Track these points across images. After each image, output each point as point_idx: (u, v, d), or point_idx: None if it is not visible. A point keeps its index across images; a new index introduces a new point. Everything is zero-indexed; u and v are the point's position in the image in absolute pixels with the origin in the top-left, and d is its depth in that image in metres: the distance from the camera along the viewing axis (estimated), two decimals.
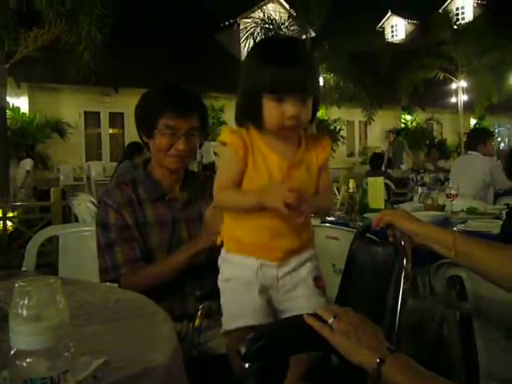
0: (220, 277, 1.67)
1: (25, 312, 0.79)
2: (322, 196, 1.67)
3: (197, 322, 1.86)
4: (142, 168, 2.21)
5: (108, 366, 1.04)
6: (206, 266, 2.01)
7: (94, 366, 1.02)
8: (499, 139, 19.78)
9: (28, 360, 0.79)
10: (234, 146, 1.56)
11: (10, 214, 7.34)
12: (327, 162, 1.69)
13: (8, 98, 10.98)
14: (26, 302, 0.79)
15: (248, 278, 1.60)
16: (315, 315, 1.26)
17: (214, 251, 1.76)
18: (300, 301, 1.62)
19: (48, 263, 3.80)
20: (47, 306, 0.81)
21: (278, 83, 1.49)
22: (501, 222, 3.19)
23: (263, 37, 13.67)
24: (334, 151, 17.27)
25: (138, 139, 2.34)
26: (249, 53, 1.65)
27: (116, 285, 2.05)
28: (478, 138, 5.76)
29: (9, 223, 7.10)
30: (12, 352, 0.81)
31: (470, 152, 5.76)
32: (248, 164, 1.57)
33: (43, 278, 0.83)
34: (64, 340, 0.82)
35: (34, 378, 0.80)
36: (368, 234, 1.81)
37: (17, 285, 0.81)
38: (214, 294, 1.70)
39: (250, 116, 1.58)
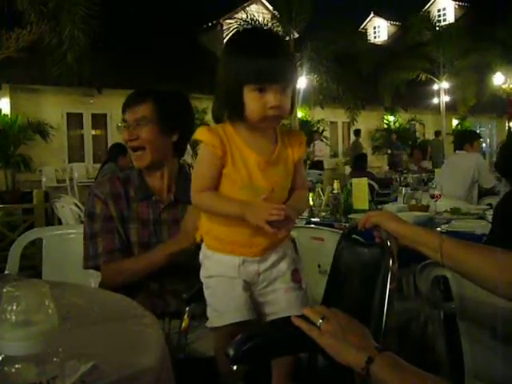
0: (203, 273, 1.68)
1: (13, 317, 0.78)
2: (299, 195, 1.69)
3: (184, 325, 1.86)
4: (135, 170, 2.23)
5: (96, 370, 1.03)
6: (190, 266, 2.01)
7: (82, 371, 1.01)
8: (481, 139, 19.94)
9: (16, 366, 0.79)
10: (211, 145, 1.56)
11: None
12: (303, 157, 1.72)
13: None
14: (14, 307, 0.79)
15: (231, 275, 1.61)
16: (303, 316, 1.26)
17: (193, 251, 1.78)
18: (279, 293, 1.65)
19: (31, 266, 3.76)
20: (36, 312, 0.80)
21: (259, 73, 1.49)
22: (484, 222, 3.23)
23: None
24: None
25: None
26: (226, 46, 1.63)
27: (97, 272, 2.15)
28: (465, 139, 5.88)
29: None
30: (0, 358, 0.80)
31: (457, 152, 5.87)
32: (227, 162, 1.57)
33: (32, 283, 0.82)
34: (53, 345, 0.82)
35: None
36: (354, 235, 1.81)
37: (5, 290, 0.80)
38: (200, 295, 1.70)
39: (230, 110, 1.58)
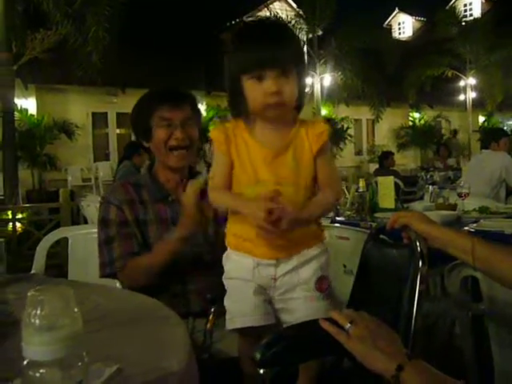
0: (224, 275, 1.66)
1: (37, 322, 0.77)
2: (319, 197, 1.59)
3: (209, 325, 1.85)
4: (147, 172, 2.24)
5: (121, 373, 1.02)
6: (212, 265, 2.01)
7: (107, 374, 1.00)
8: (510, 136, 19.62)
9: (41, 371, 0.78)
10: (217, 142, 1.56)
11: (20, 216, 7.36)
12: (326, 150, 1.59)
13: (16, 100, 10.98)
14: (38, 311, 0.78)
15: (245, 278, 1.58)
16: (331, 320, 1.24)
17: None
18: (298, 302, 1.57)
19: (56, 264, 3.79)
20: (60, 316, 0.79)
21: (253, 60, 1.46)
22: None
23: None
24: (342, 150, 17.26)
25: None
26: (234, 36, 1.61)
27: (114, 281, 2.12)
28: (491, 137, 5.79)
29: (18, 224, 7.11)
30: (25, 362, 0.79)
31: (483, 150, 5.79)
32: (234, 160, 1.55)
33: (56, 287, 0.81)
34: (78, 349, 0.81)
35: None
36: (381, 235, 1.78)
37: (29, 294, 0.79)
38: (223, 295, 1.69)
39: (235, 103, 1.55)
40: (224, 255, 1.67)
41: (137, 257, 2.06)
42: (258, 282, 1.58)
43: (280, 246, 1.54)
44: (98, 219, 2.17)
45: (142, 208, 2.13)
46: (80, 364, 0.81)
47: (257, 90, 1.47)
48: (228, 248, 1.66)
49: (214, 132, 1.59)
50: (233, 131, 1.56)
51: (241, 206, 1.52)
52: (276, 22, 1.71)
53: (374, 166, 13.89)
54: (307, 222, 1.59)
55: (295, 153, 1.55)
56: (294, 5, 18.89)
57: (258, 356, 1.21)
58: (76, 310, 0.81)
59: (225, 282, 1.65)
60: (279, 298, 1.59)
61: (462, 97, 20.73)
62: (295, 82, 1.51)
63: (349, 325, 1.19)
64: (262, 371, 1.24)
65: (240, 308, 1.57)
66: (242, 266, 1.59)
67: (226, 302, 1.63)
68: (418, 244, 1.46)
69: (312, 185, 1.59)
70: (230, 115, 1.62)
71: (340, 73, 16.62)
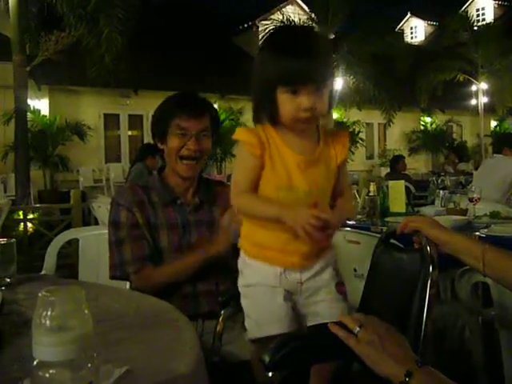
0: (242, 282, 1.63)
1: (48, 322, 0.78)
2: (345, 202, 1.62)
3: (219, 328, 1.85)
4: (157, 175, 2.25)
5: (130, 375, 1.02)
6: (222, 267, 2.05)
7: (117, 376, 1.00)
8: None
9: (51, 371, 0.78)
10: (249, 145, 1.52)
11: (31, 216, 7.40)
12: (347, 158, 1.64)
13: (29, 101, 11.07)
14: (49, 312, 0.78)
15: (271, 284, 1.56)
16: (340, 323, 1.23)
17: (229, 254, 1.81)
18: (323, 305, 1.58)
19: (67, 265, 3.81)
20: (71, 317, 0.79)
21: (291, 74, 1.44)
22: None
23: None
24: (353, 153, 17.21)
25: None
26: (261, 45, 1.58)
27: (124, 282, 2.13)
28: (503, 143, 5.75)
29: (29, 225, 7.15)
30: (35, 363, 0.79)
31: (495, 155, 5.74)
32: (265, 163, 1.53)
33: (67, 288, 0.81)
34: (88, 351, 0.81)
35: None
36: (391, 240, 1.77)
37: (40, 294, 0.80)
38: (235, 298, 1.69)
39: (265, 111, 1.53)
40: (240, 260, 1.65)
41: (151, 266, 2.07)
42: (286, 287, 1.57)
43: (304, 255, 1.56)
44: (108, 221, 2.18)
45: (151, 210, 2.14)
46: (90, 365, 0.81)
47: (290, 104, 1.46)
48: (244, 256, 1.63)
49: (244, 134, 1.55)
50: (264, 134, 1.53)
51: (278, 210, 1.48)
52: (311, 32, 1.65)
53: (385, 170, 13.87)
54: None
55: (325, 163, 1.58)
56: (307, 8, 18.90)
57: (266, 359, 1.21)
58: (87, 311, 0.81)
59: (244, 289, 1.62)
60: (304, 303, 1.60)
61: (473, 101, 20.62)
62: (327, 95, 1.51)
63: (358, 329, 1.18)
64: (270, 374, 1.24)
65: (268, 315, 1.55)
66: (267, 272, 1.57)
67: (247, 310, 1.61)
68: (428, 249, 1.46)
69: (334, 191, 1.62)
70: (253, 120, 1.60)
71: (352, 76, 16.58)
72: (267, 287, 1.57)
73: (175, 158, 2.14)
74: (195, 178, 2.23)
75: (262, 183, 1.55)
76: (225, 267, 2.04)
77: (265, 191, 1.55)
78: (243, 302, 1.63)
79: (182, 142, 2.11)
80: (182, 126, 2.10)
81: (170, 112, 2.14)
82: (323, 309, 1.58)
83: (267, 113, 1.52)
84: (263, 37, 13.07)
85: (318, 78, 1.46)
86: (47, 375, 0.78)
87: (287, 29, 1.64)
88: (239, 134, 1.55)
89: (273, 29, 1.77)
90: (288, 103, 1.46)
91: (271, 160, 1.53)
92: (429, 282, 1.44)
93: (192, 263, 2.04)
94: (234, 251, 1.72)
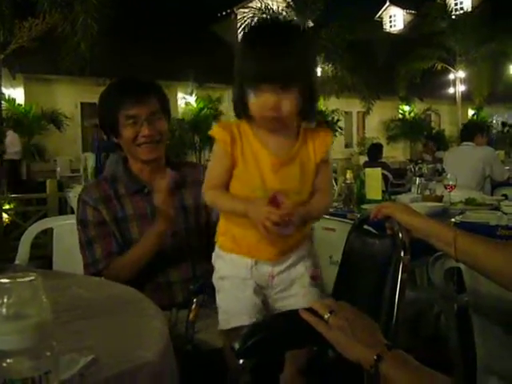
0: (215, 274, 1.63)
1: (4, 310, 0.75)
2: (315, 200, 1.59)
3: (191, 316, 1.83)
4: (122, 164, 2.21)
5: (96, 363, 1.01)
6: (195, 257, 2.07)
7: (82, 364, 0.99)
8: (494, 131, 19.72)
9: (8, 360, 0.76)
10: (222, 142, 1.51)
11: (7, 207, 7.31)
12: (327, 157, 1.61)
13: (3, 90, 10.90)
14: (5, 300, 0.76)
15: (243, 276, 1.56)
16: (311, 310, 1.23)
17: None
18: (296, 299, 1.58)
19: (42, 255, 3.76)
20: (28, 305, 0.77)
21: (255, 72, 1.42)
22: (498, 213, 3.17)
23: None
24: (332, 142, 17.24)
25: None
26: (240, 39, 1.58)
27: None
28: (476, 129, 5.77)
29: (5, 215, 7.06)
30: None
31: (466, 143, 5.74)
32: (237, 160, 1.52)
33: (24, 275, 0.79)
34: (46, 339, 0.79)
35: (15, 379, 0.76)
36: (365, 226, 1.77)
37: None
38: (207, 286, 1.69)
39: (239, 108, 1.52)
40: (214, 255, 1.65)
41: (118, 256, 2.06)
42: (256, 280, 1.56)
43: (279, 248, 1.55)
44: (76, 219, 2.17)
45: (119, 204, 2.12)
46: (49, 354, 0.79)
47: (256, 102, 1.44)
48: (218, 249, 1.63)
49: (218, 131, 1.54)
50: (238, 132, 1.52)
51: (243, 206, 1.48)
52: (286, 29, 1.54)
53: (363, 158, 13.91)
54: (306, 223, 1.60)
55: (301, 163, 1.56)
56: None
57: (236, 346, 1.20)
58: (45, 298, 0.79)
59: (217, 282, 1.62)
60: (276, 297, 1.59)
61: (451, 90, 20.79)
62: (296, 94, 1.45)
63: (328, 314, 1.18)
64: (241, 361, 1.23)
65: (237, 307, 1.54)
66: (239, 265, 1.57)
67: (219, 302, 1.60)
68: (400, 234, 1.46)
69: (311, 190, 1.60)
70: (234, 115, 1.58)
71: (330, 65, 16.60)
72: (238, 279, 1.56)
73: (133, 146, 2.10)
74: (160, 162, 2.19)
75: (234, 183, 1.55)
76: (198, 257, 2.05)
77: (242, 191, 1.54)
78: (217, 294, 1.62)
79: (134, 130, 2.06)
80: (130, 114, 2.05)
81: (114, 104, 2.08)
82: (298, 302, 1.55)
83: (241, 109, 1.51)
84: (241, 25, 12.97)
85: (283, 77, 1.42)
86: (4, 364, 0.76)
87: (261, 24, 1.61)
88: (213, 131, 1.55)
89: (253, 21, 1.75)
90: (254, 101, 1.45)
91: (243, 158, 1.52)
92: (400, 266, 1.44)
93: (147, 243, 2.02)
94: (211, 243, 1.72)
